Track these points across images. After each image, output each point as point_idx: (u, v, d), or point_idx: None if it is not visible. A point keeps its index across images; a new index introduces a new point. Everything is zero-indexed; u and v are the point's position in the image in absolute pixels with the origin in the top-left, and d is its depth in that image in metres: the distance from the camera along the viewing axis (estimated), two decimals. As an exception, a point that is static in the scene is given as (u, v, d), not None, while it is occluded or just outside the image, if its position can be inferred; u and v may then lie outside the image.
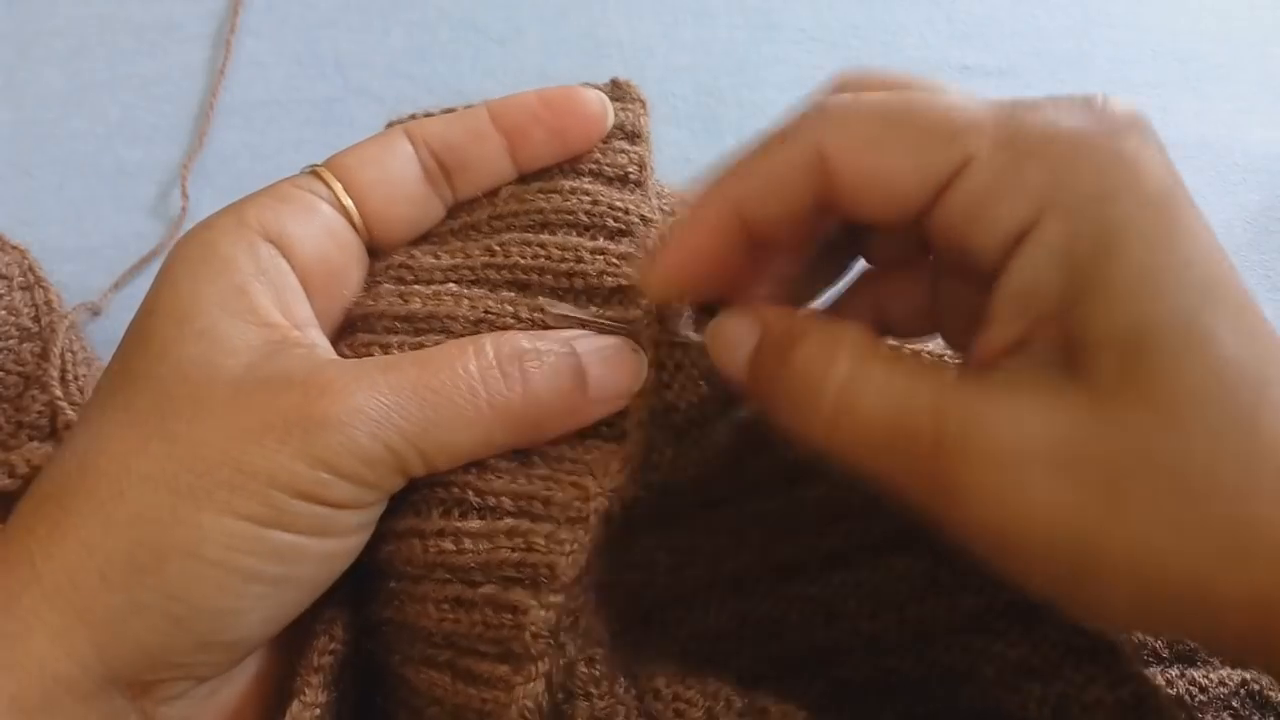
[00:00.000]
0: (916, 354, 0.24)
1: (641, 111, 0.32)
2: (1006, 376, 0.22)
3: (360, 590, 0.27)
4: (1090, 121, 0.22)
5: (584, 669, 0.25)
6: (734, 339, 0.25)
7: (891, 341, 0.28)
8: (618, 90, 0.32)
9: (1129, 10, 0.57)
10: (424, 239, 0.31)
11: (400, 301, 0.28)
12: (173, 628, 0.23)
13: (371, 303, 0.29)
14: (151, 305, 0.26)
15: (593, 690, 0.25)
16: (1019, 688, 0.26)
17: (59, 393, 0.40)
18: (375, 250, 0.30)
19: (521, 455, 0.27)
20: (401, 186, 0.29)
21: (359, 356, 0.28)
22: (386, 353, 0.28)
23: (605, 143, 0.31)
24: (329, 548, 0.25)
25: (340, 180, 0.29)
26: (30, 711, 0.22)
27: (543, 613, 0.24)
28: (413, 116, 0.31)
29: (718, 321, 0.26)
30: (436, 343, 0.28)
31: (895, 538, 0.27)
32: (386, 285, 0.29)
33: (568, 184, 0.30)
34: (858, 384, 0.23)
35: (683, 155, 0.52)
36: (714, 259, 0.25)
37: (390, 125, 0.31)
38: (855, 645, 0.29)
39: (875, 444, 0.23)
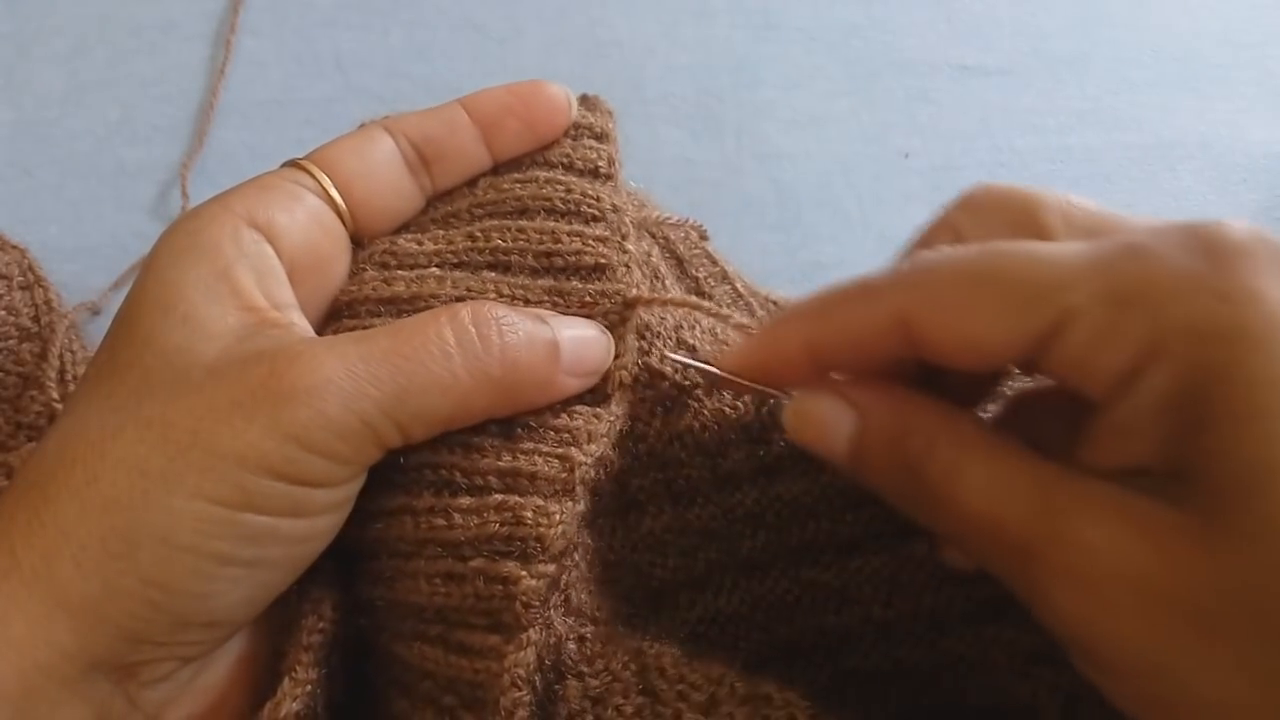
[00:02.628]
0: (1019, 448, 0.24)
1: (609, 120, 0.33)
2: (1106, 493, 0.22)
3: (349, 570, 0.27)
4: (1194, 259, 0.21)
5: (573, 646, 0.25)
6: (830, 424, 0.26)
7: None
8: (587, 103, 0.34)
9: (1129, 10, 0.57)
10: (405, 228, 0.31)
11: (384, 285, 0.29)
12: (150, 611, 0.23)
13: (356, 289, 0.29)
14: (138, 294, 0.26)
15: (584, 669, 0.25)
16: (1030, 674, 0.26)
17: (55, 394, 0.40)
18: (359, 240, 0.30)
19: (506, 429, 0.27)
20: (384, 177, 0.30)
21: None
22: None
23: (576, 140, 0.32)
24: (302, 528, 0.25)
25: (324, 172, 0.29)
26: (11, 699, 0.22)
27: (533, 582, 0.24)
28: (385, 118, 0.32)
29: (801, 403, 0.26)
30: None
31: (913, 525, 0.27)
32: (370, 272, 0.29)
33: (543, 175, 0.31)
34: (956, 475, 0.23)
35: (683, 155, 0.52)
36: (775, 375, 0.27)
37: (364, 125, 0.32)
38: (866, 632, 0.29)
39: (973, 534, 0.23)
